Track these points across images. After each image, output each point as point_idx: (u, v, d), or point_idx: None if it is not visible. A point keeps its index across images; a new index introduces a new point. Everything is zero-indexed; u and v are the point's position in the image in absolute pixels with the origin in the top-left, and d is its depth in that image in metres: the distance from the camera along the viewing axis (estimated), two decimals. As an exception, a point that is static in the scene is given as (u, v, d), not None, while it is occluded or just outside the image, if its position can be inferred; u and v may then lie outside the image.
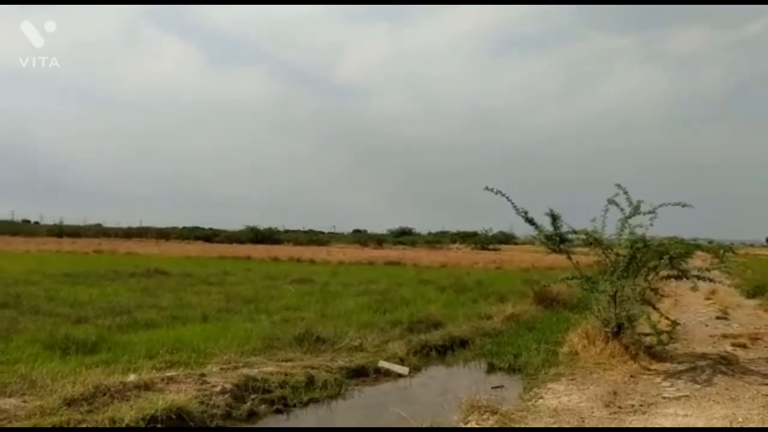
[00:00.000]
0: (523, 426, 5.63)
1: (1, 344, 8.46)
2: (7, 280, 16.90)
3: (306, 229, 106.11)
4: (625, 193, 9.14)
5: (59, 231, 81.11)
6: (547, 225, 9.25)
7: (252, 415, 6.49)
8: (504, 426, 5.59)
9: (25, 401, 5.70)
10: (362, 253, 49.69)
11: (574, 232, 9.12)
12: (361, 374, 8.38)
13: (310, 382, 7.51)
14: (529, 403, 6.57)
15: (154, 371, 6.95)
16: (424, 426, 5.48)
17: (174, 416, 5.69)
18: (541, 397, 6.78)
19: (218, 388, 6.69)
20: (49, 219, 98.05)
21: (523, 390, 7.48)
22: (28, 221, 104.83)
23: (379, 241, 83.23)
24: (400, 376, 8.49)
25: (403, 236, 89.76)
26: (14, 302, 12.39)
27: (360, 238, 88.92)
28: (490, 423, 5.68)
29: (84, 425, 5.25)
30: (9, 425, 5.08)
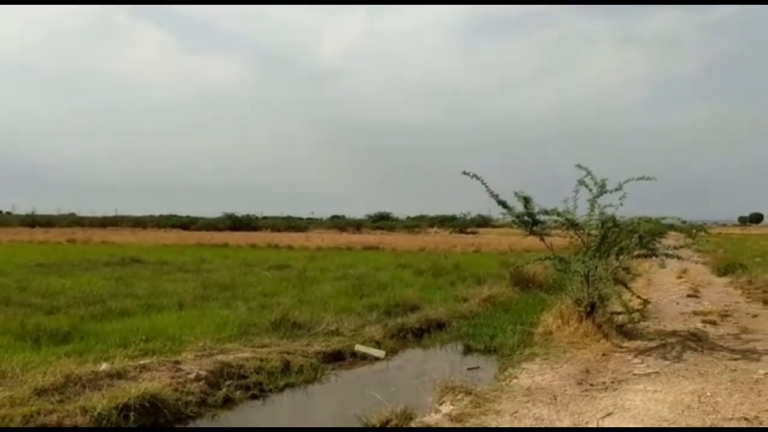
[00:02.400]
0: (495, 405, 5.70)
1: (-30, 336, 8.32)
2: (-23, 272, 16.60)
3: (284, 215, 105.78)
4: (589, 173, 9.22)
5: (32, 221, 79.83)
6: (520, 207, 9.31)
7: (227, 401, 6.47)
8: (477, 406, 5.64)
9: (-7, 392, 5.61)
10: (340, 238, 49.73)
11: (546, 212, 9.19)
12: (337, 358, 8.40)
13: (286, 367, 7.51)
14: (504, 383, 6.64)
15: (127, 360, 6.88)
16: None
17: (147, 404, 5.65)
18: (516, 377, 6.86)
19: (193, 375, 6.66)
20: (22, 209, 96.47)
21: (498, 370, 7.56)
22: (0, 211, 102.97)
23: (357, 226, 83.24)
24: (376, 359, 8.53)
25: (382, 221, 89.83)
26: (-16, 293, 12.18)
27: (338, 223, 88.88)
28: (465, 403, 5.74)
29: (55, 415, 5.19)
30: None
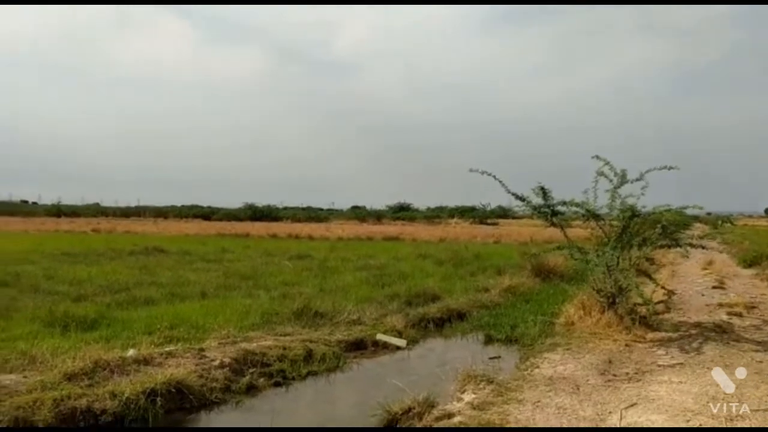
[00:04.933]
0: (517, 394, 5.70)
1: (1, 322, 8.52)
2: (6, 260, 16.95)
3: (304, 206, 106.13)
4: (607, 163, 9.12)
5: (57, 211, 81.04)
6: (538, 199, 9.26)
7: (251, 388, 6.56)
8: (499, 395, 5.65)
9: (25, 377, 5.75)
10: (361, 228, 49.77)
11: (564, 203, 9.12)
12: (359, 347, 8.46)
13: (309, 355, 7.57)
14: (525, 372, 6.64)
15: (153, 346, 7.01)
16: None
17: (173, 390, 5.75)
18: (537, 367, 6.85)
19: (217, 362, 6.75)
20: (47, 199, 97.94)
21: (519, 360, 7.55)
22: (26, 202, 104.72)
23: (377, 216, 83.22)
24: (398, 348, 8.57)
25: (402, 212, 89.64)
26: (13, 281, 12.47)
27: (358, 214, 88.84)
28: (486, 392, 5.75)
29: (84, 399, 5.31)
30: (9, 400, 5.12)
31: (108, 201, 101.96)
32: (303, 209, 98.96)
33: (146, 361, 6.39)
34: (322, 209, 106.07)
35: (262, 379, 6.78)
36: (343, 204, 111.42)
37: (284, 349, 7.54)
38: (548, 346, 7.95)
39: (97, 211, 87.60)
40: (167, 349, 7.00)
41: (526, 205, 9.28)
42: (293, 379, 7.01)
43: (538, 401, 5.51)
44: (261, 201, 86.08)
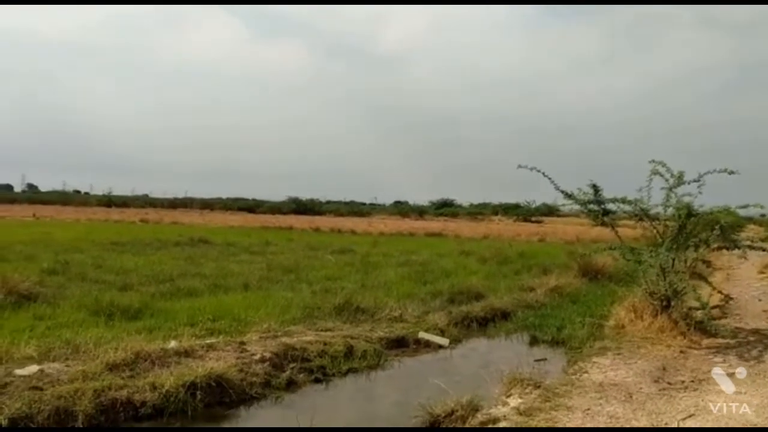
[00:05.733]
0: (566, 401, 5.46)
1: (48, 309, 8.66)
2: (57, 248, 17.38)
3: (347, 200, 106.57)
4: (663, 165, 8.74)
5: (108, 201, 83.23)
6: (587, 196, 8.94)
7: (291, 384, 6.48)
8: (546, 400, 5.42)
9: (68, 366, 5.78)
10: (403, 224, 49.62)
11: (616, 200, 8.78)
12: (400, 345, 8.31)
13: (350, 352, 7.46)
14: (574, 377, 6.37)
15: (194, 339, 6.99)
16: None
17: (213, 383, 5.71)
18: (586, 372, 6.57)
19: (258, 357, 6.70)
20: (99, 190, 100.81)
21: (566, 364, 7.28)
22: (78, 192, 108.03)
23: (420, 212, 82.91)
24: (440, 347, 8.39)
25: (444, 208, 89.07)
26: (63, 269, 12.72)
27: (401, 209, 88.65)
28: (533, 396, 5.53)
29: (125, 391, 5.30)
30: (52, 388, 5.15)
31: (157, 192, 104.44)
32: (346, 203, 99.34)
33: (187, 354, 6.38)
34: (364, 204, 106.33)
35: (302, 375, 6.69)
36: (386, 199, 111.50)
37: (325, 344, 7.45)
38: (597, 350, 7.65)
39: (145, 202, 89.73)
40: (208, 341, 6.98)
41: (575, 203, 8.98)
42: (333, 375, 6.91)
43: (589, 409, 5.26)
44: (305, 195, 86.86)
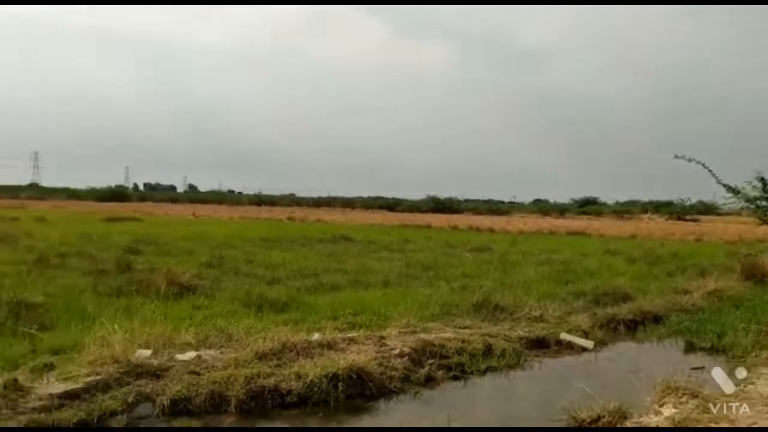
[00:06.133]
0: (728, 413, 4.98)
1: (205, 300, 9.37)
2: (213, 243, 18.83)
3: (485, 198, 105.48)
4: None
5: (258, 200, 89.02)
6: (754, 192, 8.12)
7: (429, 380, 6.47)
8: (705, 411, 4.98)
9: (222, 353, 6.21)
10: (543, 222, 48.18)
11: None
12: (541, 345, 8.04)
13: (488, 350, 7.33)
14: (737, 388, 5.81)
15: (336, 331, 7.23)
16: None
17: (354, 376, 5.84)
18: (752, 383, 5.97)
19: (396, 351, 6.77)
20: (250, 189, 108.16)
21: (728, 373, 6.66)
22: (232, 191, 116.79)
23: (561, 210, 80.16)
24: (584, 349, 8.01)
25: (588, 206, 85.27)
26: (218, 263, 13.71)
27: (541, 207, 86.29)
28: (690, 407, 5.11)
29: (272, 379, 5.58)
30: (208, 373, 5.55)
31: (302, 192, 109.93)
32: (484, 202, 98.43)
33: (330, 346, 6.59)
34: (503, 202, 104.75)
35: (440, 372, 6.68)
36: (525, 197, 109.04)
37: (463, 342, 7.38)
38: (765, 360, 6.93)
39: (292, 200, 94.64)
40: (350, 334, 7.18)
41: (740, 196, 8.20)
42: (471, 373, 6.81)
43: (755, 423, 4.77)
44: (443, 193, 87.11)
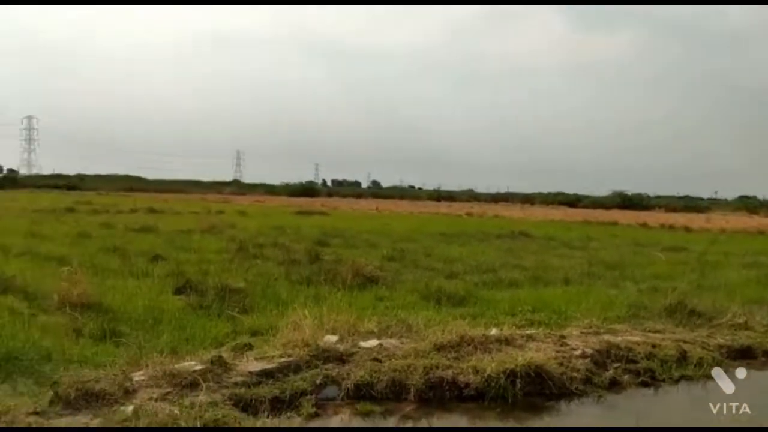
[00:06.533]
0: None
1: (387, 291, 9.72)
2: (395, 237, 19.47)
3: (680, 194, 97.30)
4: None
5: (437, 196, 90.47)
6: None
7: (614, 384, 6.12)
8: None
9: (402, 342, 6.38)
10: (750, 221, 43.34)
11: None
12: (745, 355, 7.24)
13: (682, 357, 6.75)
14: None
15: (514, 328, 7.10)
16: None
17: (532, 373, 5.70)
18: None
19: (578, 352, 6.50)
20: (430, 185, 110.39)
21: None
22: (412, 187, 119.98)
23: (771, 208, 71.44)
24: (799, 363, 7.08)
25: (806, 202, 75.16)
26: (399, 256, 14.16)
27: (747, 204, 77.56)
28: None
29: (450, 371, 5.64)
30: (389, 361, 5.74)
31: (480, 187, 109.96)
32: (679, 198, 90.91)
33: (507, 341, 6.49)
34: (701, 199, 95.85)
35: (626, 376, 6.29)
36: (728, 194, 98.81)
37: (653, 346, 6.88)
38: None
39: (470, 196, 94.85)
40: (528, 331, 7.03)
41: None
42: (663, 380, 6.33)
43: None
44: (630, 189, 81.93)
